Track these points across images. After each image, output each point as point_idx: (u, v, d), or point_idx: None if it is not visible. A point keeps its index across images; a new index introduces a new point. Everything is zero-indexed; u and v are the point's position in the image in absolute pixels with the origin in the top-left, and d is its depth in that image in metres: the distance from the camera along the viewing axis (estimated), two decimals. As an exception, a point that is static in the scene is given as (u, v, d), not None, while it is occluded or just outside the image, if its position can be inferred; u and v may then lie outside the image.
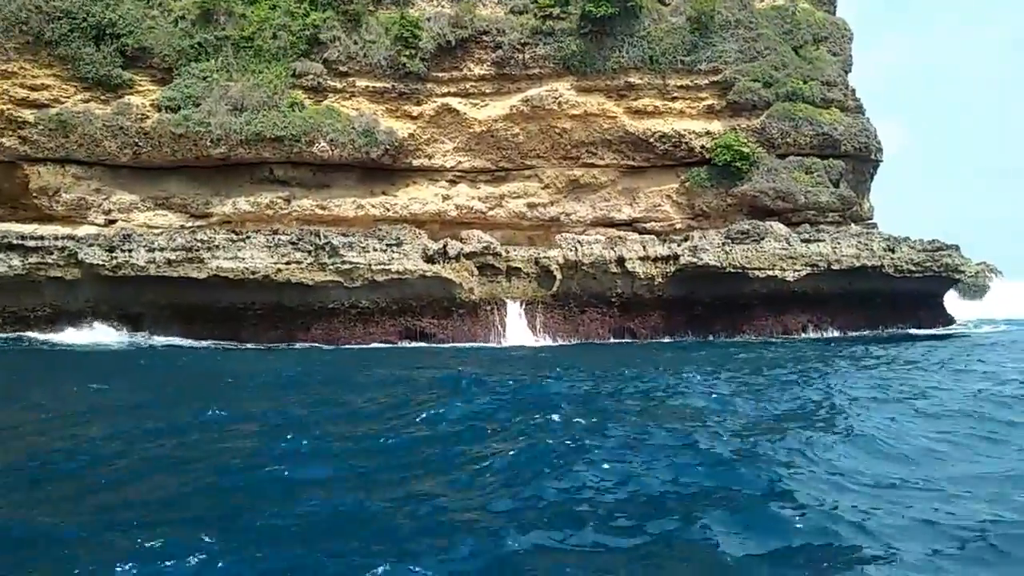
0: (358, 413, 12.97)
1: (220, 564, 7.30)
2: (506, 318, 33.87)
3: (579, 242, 35.02)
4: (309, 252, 32.76)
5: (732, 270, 33.39)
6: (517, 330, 33.67)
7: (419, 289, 33.32)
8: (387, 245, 33.30)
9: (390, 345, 31.62)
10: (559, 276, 34.51)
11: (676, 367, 18.02)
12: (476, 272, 34.13)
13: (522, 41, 35.39)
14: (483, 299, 34.05)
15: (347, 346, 31.20)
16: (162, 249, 31.21)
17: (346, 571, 7.15)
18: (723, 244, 34.19)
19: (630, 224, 37.77)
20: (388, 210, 36.21)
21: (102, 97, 33.47)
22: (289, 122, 33.73)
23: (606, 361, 20.51)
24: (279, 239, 32.93)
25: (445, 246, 34.10)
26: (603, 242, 35.19)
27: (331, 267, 32.50)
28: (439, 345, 31.63)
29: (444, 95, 35.28)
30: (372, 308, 33.19)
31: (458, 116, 35.49)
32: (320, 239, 33.12)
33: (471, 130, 35.57)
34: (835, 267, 33.24)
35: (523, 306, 34.37)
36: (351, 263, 32.71)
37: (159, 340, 30.32)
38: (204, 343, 30.53)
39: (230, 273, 31.57)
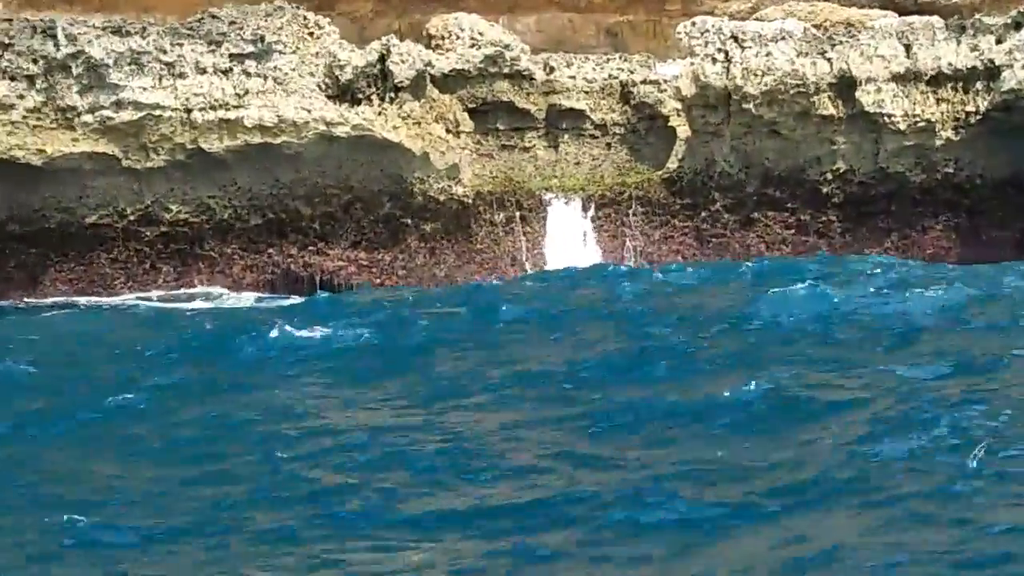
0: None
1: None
2: (545, 242, 26.86)
3: (736, 37, 26.20)
4: (31, 79, 24.43)
5: None
6: (574, 268, 27.88)
7: (319, 170, 25.62)
8: (234, 56, 24.84)
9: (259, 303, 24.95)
10: (683, 131, 26.66)
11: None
12: (469, 123, 26.62)
13: None
14: (486, 195, 26.81)
15: (137, 304, 24.66)
16: None
17: None
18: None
19: (869, -9, 31.14)
20: (238, -34, 28.88)
21: None
22: None
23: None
24: (-50, 46, 25.08)
25: (384, 56, 25.61)
26: (799, 37, 26.37)
27: (89, 117, 24.31)
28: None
29: None
30: (198, 224, 25.54)
31: None
32: (59, 44, 24.30)
33: None
34: None
35: (591, 210, 26.99)
36: (140, 106, 24.26)
37: None
38: None
39: None
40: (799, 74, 25.09)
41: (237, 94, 23.94)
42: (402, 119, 24.88)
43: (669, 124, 26.07)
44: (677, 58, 26.26)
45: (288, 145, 24.16)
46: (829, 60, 25.30)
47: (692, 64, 25.51)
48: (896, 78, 25.18)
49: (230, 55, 24.01)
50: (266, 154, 24.39)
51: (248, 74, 24.07)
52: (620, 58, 27.06)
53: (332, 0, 27.48)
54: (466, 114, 25.76)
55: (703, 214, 26.17)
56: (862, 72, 25.14)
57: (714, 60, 25.38)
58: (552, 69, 26.12)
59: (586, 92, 26.47)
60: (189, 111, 23.75)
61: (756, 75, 25.18)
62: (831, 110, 25.38)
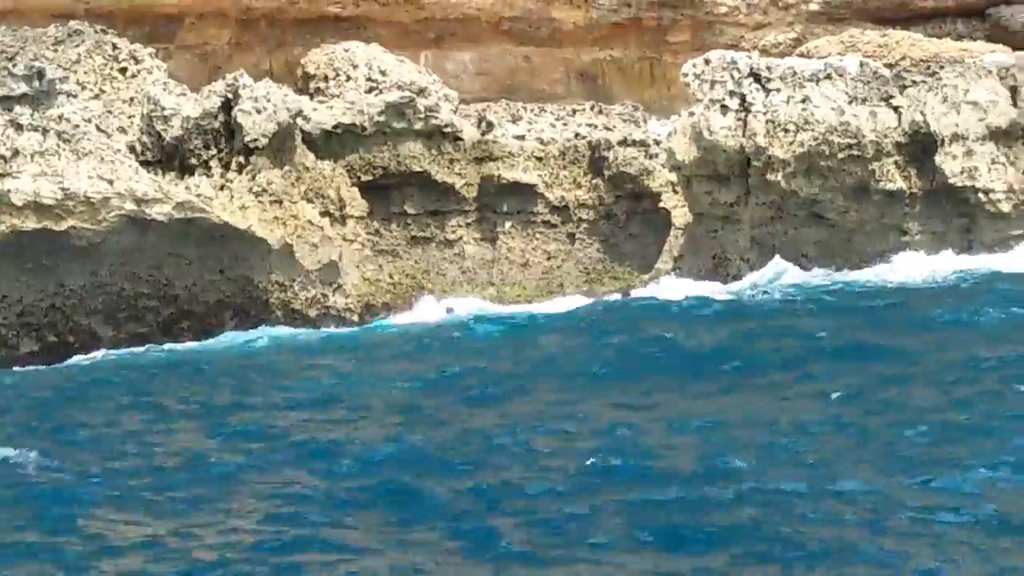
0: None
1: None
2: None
3: (757, 75, 22.78)
4: None
5: None
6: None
7: (126, 270, 21.78)
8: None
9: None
10: (680, 214, 23.68)
11: None
12: (360, 203, 23.08)
13: None
14: (382, 310, 23.37)
15: None
16: None
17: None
18: None
19: (971, 11, 27.72)
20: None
21: None
22: None
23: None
24: None
25: (230, 103, 21.86)
26: (852, 76, 23.05)
27: None
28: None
29: None
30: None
31: None
32: None
33: None
34: None
35: (544, 332, 25.14)
36: None
37: None
38: None
39: None
40: (851, 129, 21.88)
41: (1, 157, 20.17)
42: (255, 195, 21.37)
43: (660, 206, 23.06)
44: (684, 111, 22.90)
45: (79, 232, 20.46)
46: (896, 109, 22.12)
47: (692, 115, 21.90)
48: (996, 135, 21.93)
49: (-18, 97, 21.17)
50: (45, 246, 20.84)
51: (19, 127, 20.32)
52: (592, 109, 23.71)
53: (172, 28, 23.34)
54: (356, 190, 22.39)
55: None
56: (945, 127, 21.91)
57: (724, 108, 21.93)
58: (490, 125, 22.86)
59: (538, 159, 23.13)
60: None
61: (787, 131, 21.89)
62: (899, 183, 22.24)
